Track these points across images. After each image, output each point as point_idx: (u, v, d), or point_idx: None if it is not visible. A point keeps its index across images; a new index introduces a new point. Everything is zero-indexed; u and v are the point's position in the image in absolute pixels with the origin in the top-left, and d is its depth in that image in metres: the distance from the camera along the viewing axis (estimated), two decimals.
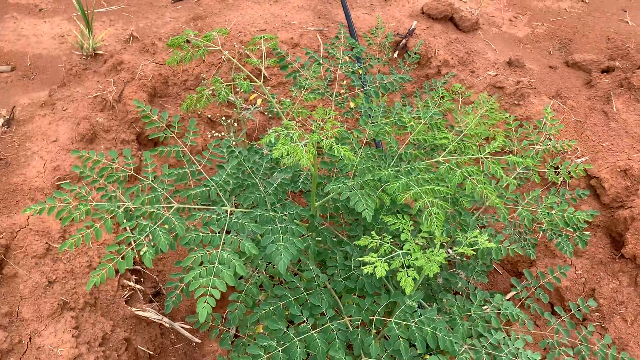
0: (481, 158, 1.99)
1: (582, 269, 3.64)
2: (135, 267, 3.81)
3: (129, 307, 3.53)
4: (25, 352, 2.92)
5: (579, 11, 5.70)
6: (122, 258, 1.76)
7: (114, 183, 1.98)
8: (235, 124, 4.09)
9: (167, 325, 3.63)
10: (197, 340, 3.70)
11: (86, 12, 4.70)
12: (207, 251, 1.83)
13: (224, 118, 3.80)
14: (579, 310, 2.49)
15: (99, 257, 3.51)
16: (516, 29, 5.50)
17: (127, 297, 3.59)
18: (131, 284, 3.67)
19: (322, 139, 1.86)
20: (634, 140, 4.08)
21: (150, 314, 3.55)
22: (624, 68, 4.77)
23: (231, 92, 4.07)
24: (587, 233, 2.61)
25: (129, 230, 1.83)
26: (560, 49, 5.30)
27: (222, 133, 4.05)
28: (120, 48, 4.77)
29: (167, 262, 3.98)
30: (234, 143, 2.34)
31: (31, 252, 3.27)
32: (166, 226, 1.97)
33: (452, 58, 4.60)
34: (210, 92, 2.14)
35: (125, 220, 1.86)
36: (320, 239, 2.62)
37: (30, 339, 2.97)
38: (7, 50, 4.86)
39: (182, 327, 3.66)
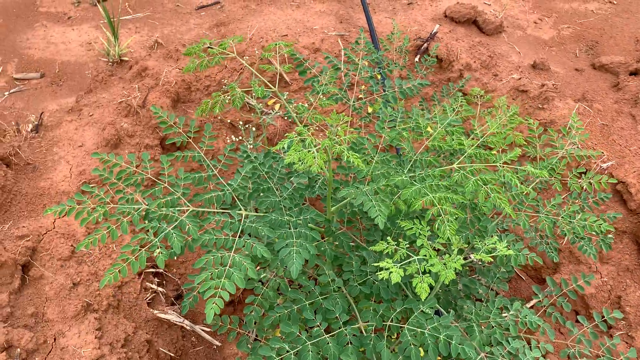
0: (498, 166, 1.96)
1: (608, 275, 3.55)
2: (157, 270, 3.87)
3: (151, 310, 3.58)
4: (50, 352, 3.00)
5: (606, 12, 5.58)
6: (136, 258, 1.79)
7: (131, 186, 2.02)
8: (254, 129, 4.13)
9: (188, 327, 3.67)
10: (217, 343, 3.73)
11: (112, 20, 4.81)
12: (220, 253, 1.86)
13: (241, 123, 3.83)
14: (603, 321, 2.42)
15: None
16: (541, 31, 5.41)
17: (149, 300, 3.65)
18: (154, 286, 3.72)
19: (334, 146, 1.87)
20: None
21: (172, 316, 3.60)
22: None
23: (252, 97, 4.11)
24: (610, 236, 2.55)
25: (144, 232, 1.86)
26: (586, 52, 5.20)
27: (242, 137, 4.09)
28: (145, 54, 4.86)
29: (189, 266, 4.03)
30: (250, 147, 2.36)
31: (57, 255, 3.35)
32: (184, 229, 2.01)
33: (475, 61, 4.55)
34: (228, 98, 2.17)
35: (140, 222, 1.90)
36: (337, 243, 2.62)
37: (54, 339, 3.04)
38: (37, 57, 5.00)
39: (203, 330, 3.70)
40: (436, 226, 1.86)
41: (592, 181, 2.54)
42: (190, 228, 1.89)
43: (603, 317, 2.44)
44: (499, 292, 2.87)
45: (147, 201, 1.99)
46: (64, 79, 4.85)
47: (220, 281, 1.74)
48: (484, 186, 1.86)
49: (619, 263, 3.60)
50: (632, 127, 4.18)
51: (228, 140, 4.08)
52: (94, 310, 3.26)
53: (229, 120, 4.28)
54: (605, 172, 3.83)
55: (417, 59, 4.67)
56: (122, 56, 4.83)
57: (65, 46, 5.15)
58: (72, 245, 3.44)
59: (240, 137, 4.08)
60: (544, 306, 2.60)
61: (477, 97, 2.81)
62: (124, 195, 2.01)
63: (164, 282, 3.91)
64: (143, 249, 1.82)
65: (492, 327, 2.29)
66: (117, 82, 4.56)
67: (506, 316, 2.44)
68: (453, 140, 2.16)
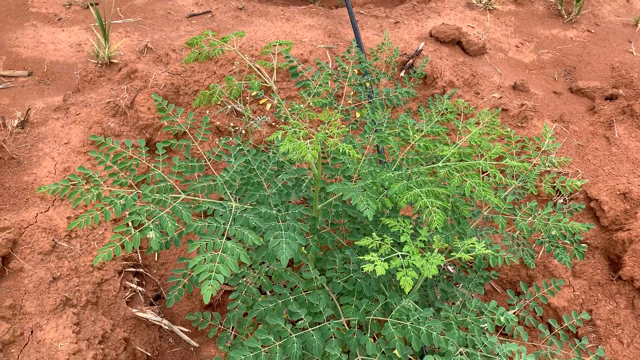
0: (481, 162, 2.05)
1: (580, 289, 3.66)
2: (138, 269, 3.86)
3: (130, 308, 3.57)
4: (26, 344, 2.97)
5: (584, 40, 5.82)
6: (130, 239, 1.82)
7: (126, 170, 2.06)
8: (243, 132, 4.19)
9: (166, 327, 3.66)
10: (195, 344, 3.73)
11: (104, 23, 4.85)
12: (212, 239, 1.90)
13: (231, 125, 3.90)
14: (572, 323, 2.52)
15: None
16: (522, 55, 5.61)
17: (128, 299, 3.63)
18: (133, 285, 3.72)
19: (327, 138, 1.94)
20: (634, 165, 4.14)
21: (150, 315, 3.59)
22: (627, 96, 4.85)
23: (240, 103, 4.17)
24: (583, 245, 2.66)
25: (136, 215, 1.89)
26: (565, 76, 5.40)
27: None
28: (135, 58, 4.90)
29: (169, 266, 4.03)
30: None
31: (38, 249, 3.33)
32: (177, 215, 2.04)
33: (458, 79, 4.70)
34: (223, 89, 2.23)
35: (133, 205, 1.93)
36: (321, 242, 2.67)
37: (32, 332, 3.01)
38: (26, 56, 5.00)
39: (181, 330, 3.70)
40: (423, 217, 1.93)
41: (564, 184, 2.66)
42: (183, 213, 1.93)
43: (572, 319, 2.54)
44: (474, 297, 2.95)
45: (141, 187, 2.03)
46: (52, 78, 4.85)
47: (215, 265, 1.78)
48: (468, 180, 1.95)
49: (590, 277, 3.72)
50: (606, 149, 4.35)
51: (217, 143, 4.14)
52: (73, 305, 3.24)
53: (217, 124, 4.33)
54: (580, 189, 3.97)
55: (402, 74, 4.80)
56: (112, 58, 4.86)
57: (55, 46, 5.17)
58: (53, 240, 3.42)
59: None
60: (519, 310, 2.69)
61: (462, 109, 2.92)
62: (118, 178, 2.04)
63: (144, 282, 3.90)
64: (137, 230, 1.85)
65: (470, 324, 2.36)
66: (106, 83, 4.59)
67: (484, 315, 2.51)
68: (438, 142, 2.26)
